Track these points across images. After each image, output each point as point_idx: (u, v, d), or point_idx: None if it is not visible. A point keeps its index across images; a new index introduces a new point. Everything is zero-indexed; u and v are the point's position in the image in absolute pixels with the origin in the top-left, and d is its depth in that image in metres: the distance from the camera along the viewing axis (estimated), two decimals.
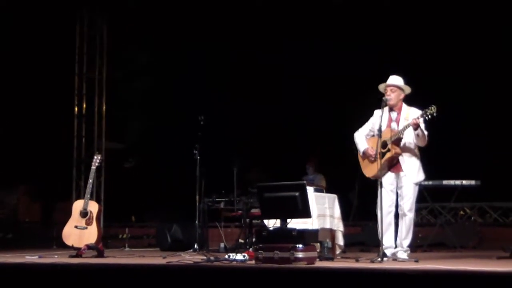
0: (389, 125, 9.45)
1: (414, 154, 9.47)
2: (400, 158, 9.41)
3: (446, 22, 14.88)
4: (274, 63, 16.06)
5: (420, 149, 9.50)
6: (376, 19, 15.18)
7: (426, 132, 9.24)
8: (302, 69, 15.95)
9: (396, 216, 9.53)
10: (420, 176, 9.51)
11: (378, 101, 9.43)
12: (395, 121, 9.50)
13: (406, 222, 9.41)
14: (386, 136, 9.30)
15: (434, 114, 8.92)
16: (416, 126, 9.10)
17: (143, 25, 16.71)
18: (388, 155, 9.30)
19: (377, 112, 9.63)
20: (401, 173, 9.43)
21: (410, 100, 9.61)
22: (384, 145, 9.28)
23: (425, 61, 14.78)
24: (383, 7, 14.91)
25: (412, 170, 9.43)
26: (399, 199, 9.48)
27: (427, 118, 9.00)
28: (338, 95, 15.67)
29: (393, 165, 9.43)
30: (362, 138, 9.73)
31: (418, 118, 9.09)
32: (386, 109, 9.37)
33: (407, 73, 9.73)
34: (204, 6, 15.97)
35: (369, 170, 9.61)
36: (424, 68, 14.54)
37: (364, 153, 9.62)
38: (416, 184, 9.49)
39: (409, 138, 9.36)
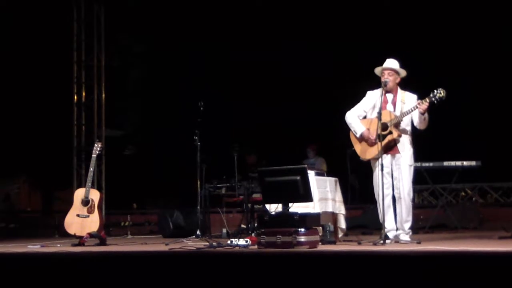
0: (385, 107, 9.44)
1: (410, 138, 9.49)
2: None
3: (445, 18, 14.88)
4: (274, 58, 16.04)
5: (415, 132, 9.51)
6: (375, 19, 15.15)
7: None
8: (302, 64, 15.95)
9: (393, 198, 9.53)
10: (413, 159, 9.53)
11: (374, 83, 9.46)
12: (392, 103, 9.51)
13: (405, 204, 9.40)
14: (385, 118, 9.28)
15: (444, 98, 8.94)
16: (425, 111, 9.10)
17: (141, 11, 16.65)
18: (389, 137, 9.29)
19: (370, 93, 9.64)
20: (398, 155, 9.43)
21: (412, 86, 9.61)
22: (384, 127, 9.26)
23: (426, 52, 14.77)
24: (383, 7, 14.88)
25: (407, 153, 9.44)
26: (395, 182, 9.46)
27: (435, 101, 8.99)
28: (336, 88, 15.69)
29: (391, 147, 9.42)
30: (356, 119, 9.68)
31: (426, 102, 9.06)
32: (383, 90, 9.36)
33: (408, 66, 9.73)
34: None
35: (365, 152, 9.58)
36: (426, 55, 14.54)
37: (362, 135, 9.60)
38: (411, 165, 9.49)
39: (407, 121, 9.37)
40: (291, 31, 15.96)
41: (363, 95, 9.74)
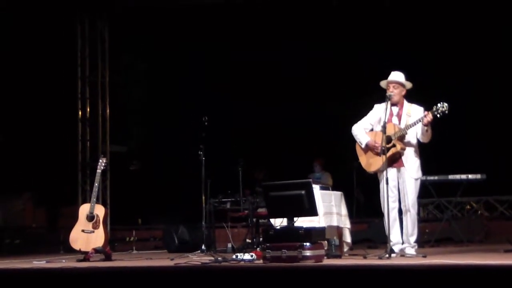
0: (390, 120, 9.46)
1: (416, 151, 9.50)
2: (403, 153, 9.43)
3: (446, 19, 14.89)
4: (275, 63, 16.08)
5: (421, 145, 9.51)
6: (376, 19, 15.18)
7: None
8: (304, 69, 15.99)
9: (399, 212, 9.53)
10: (419, 172, 9.53)
11: (380, 97, 9.47)
12: (397, 116, 9.54)
13: (410, 218, 9.41)
14: (390, 131, 9.30)
15: (446, 112, 8.93)
16: (428, 123, 9.10)
17: (144, 26, 16.67)
18: (393, 150, 9.30)
19: (377, 106, 9.66)
20: (402, 168, 9.45)
21: (414, 97, 9.63)
22: (388, 140, 9.27)
23: (427, 57, 14.78)
24: (383, 7, 14.91)
25: (413, 166, 9.45)
26: (401, 195, 9.48)
27: (438, 115, 9.00)
28: (341, 94, 15.71)
29: (395, 160, 9.43)
30: (362, 131, 9.73)
31: (430, 115, 9.06)
32: (388, 103, 9.37)
33: (409, 69, 9.75)
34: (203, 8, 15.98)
35: (371, 164, 9.60)
36: (427, 63, 14.56)
37: (367, 145, 9.61)
38: (417, 179, 9.49)
39: (412, 134, 9.38)
40: (291, 31, 15.99)
41: (364, 98, 9.77)
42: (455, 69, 14.85)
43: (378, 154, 9.41)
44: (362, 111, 9.87)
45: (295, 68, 16.02)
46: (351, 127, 9.81)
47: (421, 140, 9.44)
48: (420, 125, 9.23)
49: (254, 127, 16.18)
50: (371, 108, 9.75)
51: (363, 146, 9.67)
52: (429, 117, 9.08)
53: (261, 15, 15.79)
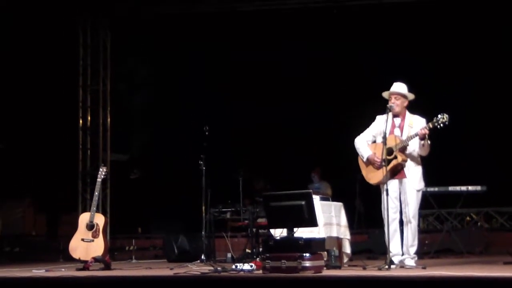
0: (392, 131, 9.47)
1: (418, 162, 9.50)
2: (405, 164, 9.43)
3: (448, 25, 14.92)
4: (275, 63, 16.11)
5: (423, 156, 9.51)
6: (377, 20, 15.21)
7: (429, 142, 9.26)
8: (304, 69, 16.03)
9: (400, 223, 9.53)
10: (421, 183, 9.53)
11: (382, 107, 9.47)
12: (399, 127, 9.53)
13: (411, 229, 9.41)
14: (391, 143, 9.30)
15: (446, 123, 8.94)
16: (424, 136, 9.11)
17: (144, 30, 16.66)
18: (394, 162, 9.30)
19: (379, 118, 9.66)
20: (404, 180, 9.45)
21: (414, 106, 9.64)
22: (390, 152, 9.27)
23: (427, 66, 14.81)
24: (383, 7, 14.93)
25: (415, 177, 9.45)
26: (402, 206, 9.48)
27: (438, 126, 9.00)
28: (341, 101, 15.72)
29: (397, 171, 9.44)
30: (364, 144, 9.73)
31: (426, 128, 9.09)
32: (390, 114, 9.39)
33: (410, 78, 9.78)
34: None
35: (372, 176, 9.61)
36: (427, 73, 14.58)
37: (368, 159, 9.62)
38: (419, 190, 9.49)
39: (414, 146, 9.37)
40: (291, 31, 16.01)
41: (364, 98, 9.78)
42: (456, 76, 14.87)
43: (378, 168, 9.42)
44: (362, 111, 9.89)
45: (295, 68, 16.03)
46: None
47: (419, 153, 9.44)
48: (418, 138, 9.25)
49: (254, 127, 16.17)
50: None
51: (364, 159, 9.69)
52: (425, 130, 9.10)
53: (261, 15, 15.79)
